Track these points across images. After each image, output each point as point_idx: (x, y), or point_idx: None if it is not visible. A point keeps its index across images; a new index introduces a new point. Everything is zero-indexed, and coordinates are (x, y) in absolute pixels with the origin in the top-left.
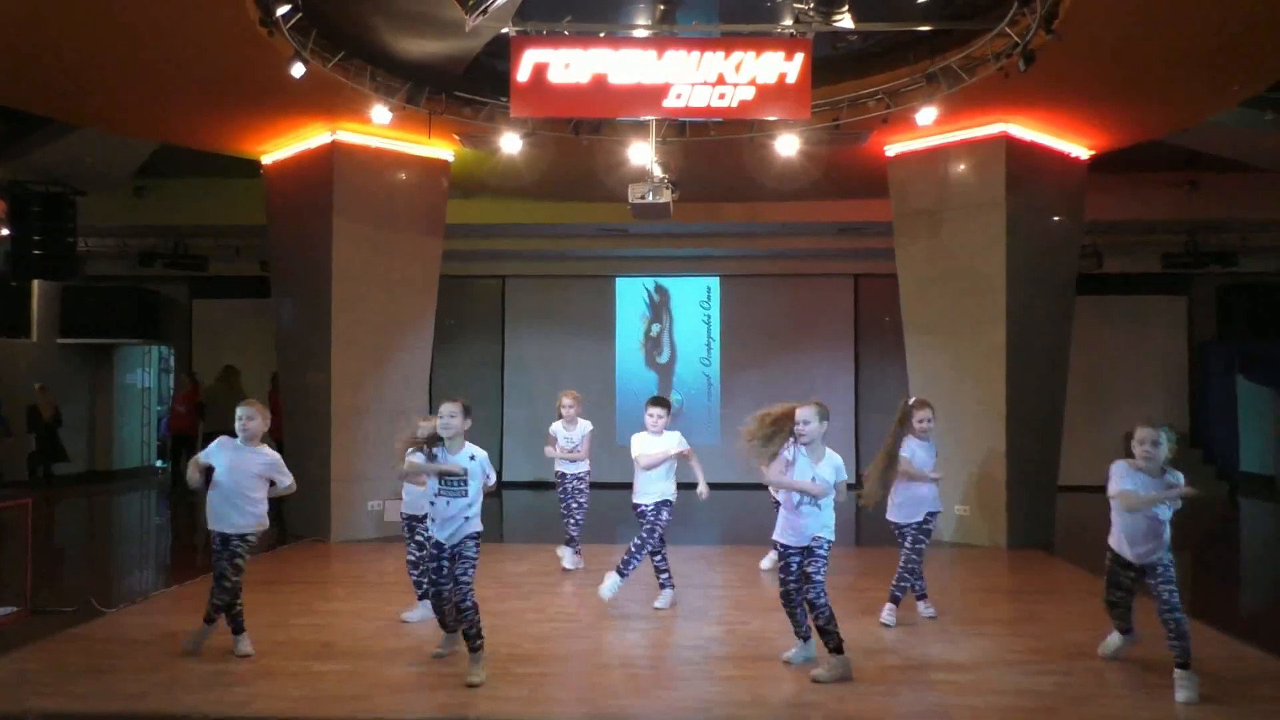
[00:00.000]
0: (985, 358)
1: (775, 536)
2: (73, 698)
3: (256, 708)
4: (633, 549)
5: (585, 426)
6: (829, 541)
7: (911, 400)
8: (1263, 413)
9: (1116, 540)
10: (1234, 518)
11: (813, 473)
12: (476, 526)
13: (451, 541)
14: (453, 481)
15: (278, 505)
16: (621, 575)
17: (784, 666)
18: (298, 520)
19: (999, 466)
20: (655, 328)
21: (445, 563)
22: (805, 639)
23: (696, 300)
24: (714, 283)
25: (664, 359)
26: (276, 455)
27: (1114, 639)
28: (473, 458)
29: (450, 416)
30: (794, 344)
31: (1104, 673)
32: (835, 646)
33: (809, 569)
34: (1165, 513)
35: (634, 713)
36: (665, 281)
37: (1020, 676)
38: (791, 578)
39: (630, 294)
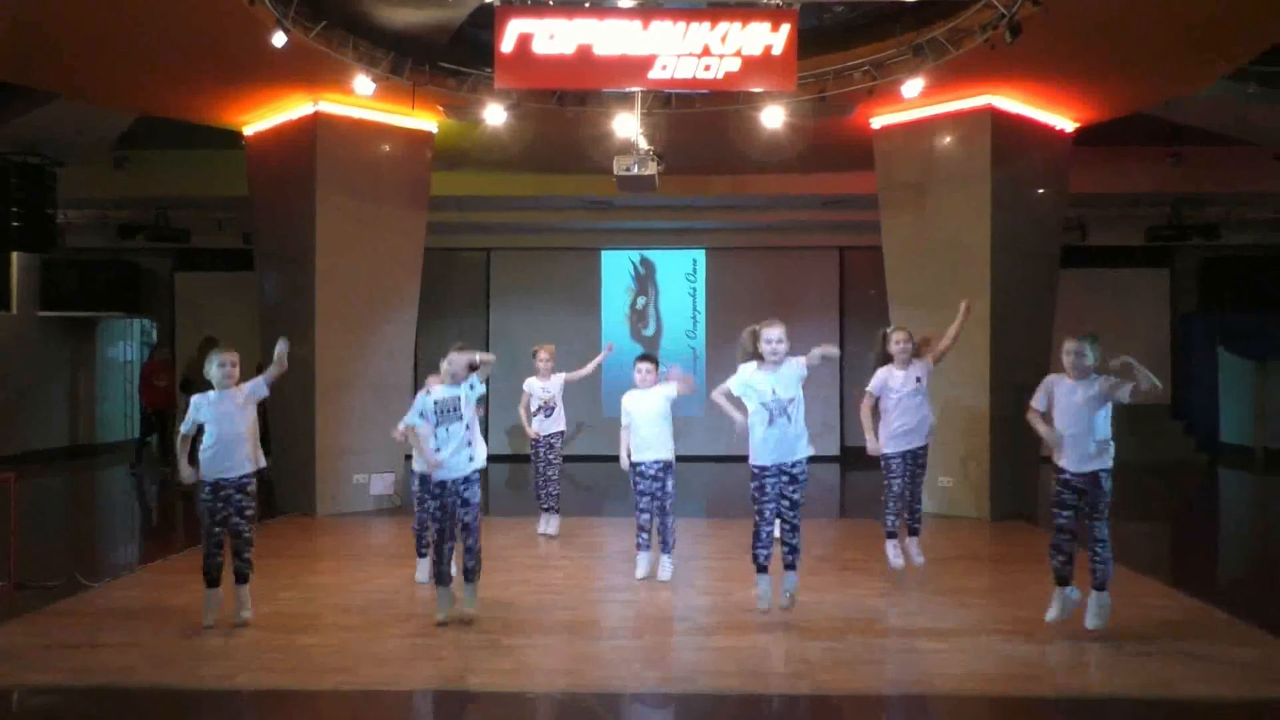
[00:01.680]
0: (970, 330)
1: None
2: (60, 672)
3: (243, 680)
4: (666, 523)
5: (560, 379)
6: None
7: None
8: (1243, 385)
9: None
10: (1212, 487)
11: (773, 386)
12: (479, 462)
13: (454, 476)
14: (449, 410)
15: (265, 479)
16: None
17: (771, 637)
18: (284, 494)
19: (983, 438)
20: (641, 300)
21: (450, 501)
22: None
23: (682, 273)
24: (700, 255)
25: (650, 332)
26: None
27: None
28: (472, 386)
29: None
30: (779, 317)
31: (1085, 641)
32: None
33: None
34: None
35: (621, 684)
36: (651, 254)
37: (1003, 645)
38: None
39: (615, 267)
